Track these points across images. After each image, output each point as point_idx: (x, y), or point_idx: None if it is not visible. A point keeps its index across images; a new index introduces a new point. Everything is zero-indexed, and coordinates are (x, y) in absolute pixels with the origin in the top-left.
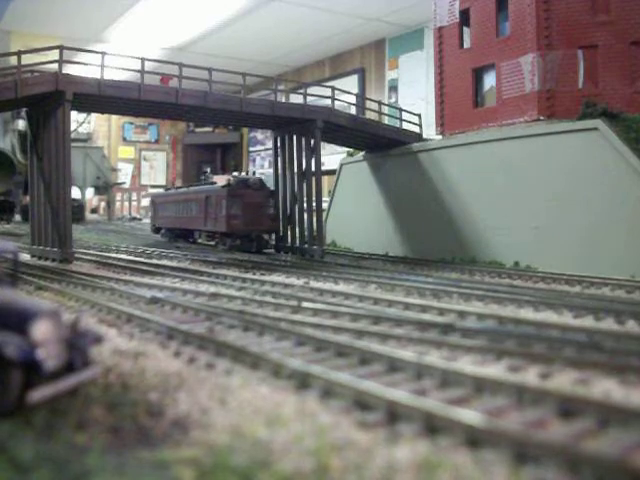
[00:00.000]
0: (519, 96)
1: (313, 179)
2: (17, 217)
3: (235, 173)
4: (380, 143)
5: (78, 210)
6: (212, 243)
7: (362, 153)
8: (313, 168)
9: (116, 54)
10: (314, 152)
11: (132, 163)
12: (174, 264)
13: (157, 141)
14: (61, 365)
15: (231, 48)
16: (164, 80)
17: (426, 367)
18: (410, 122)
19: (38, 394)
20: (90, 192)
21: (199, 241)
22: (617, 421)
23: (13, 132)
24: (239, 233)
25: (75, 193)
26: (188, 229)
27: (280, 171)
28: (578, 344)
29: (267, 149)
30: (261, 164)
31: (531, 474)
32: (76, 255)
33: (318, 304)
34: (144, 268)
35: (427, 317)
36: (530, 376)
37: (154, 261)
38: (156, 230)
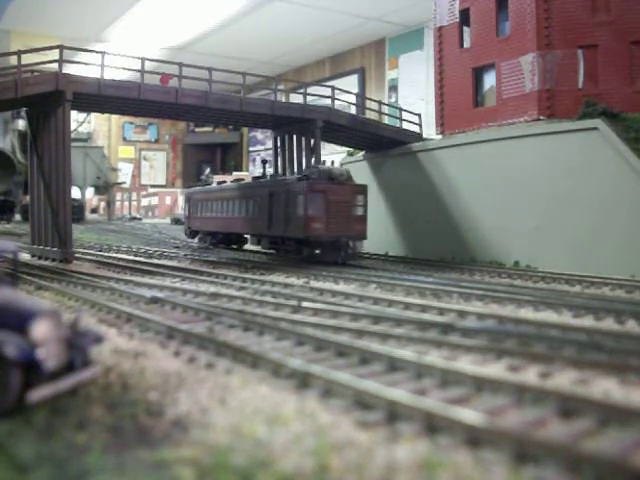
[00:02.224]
0: (519, 96)
1: None
2: (17, 217)
3: (313, 162)
4: (380, 143)
5: (78, 210)
6: (271, 251)
7: (362, 153)
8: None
9: (116, 54)
10: (314, 152)
11: (132, 163)
12: (174, 264)
13: (157, 141)
14: (61, 365)
15: (231, 48)
16: (163, 80)
17: (426, 367)
18: (410, 122)
19: (38, 394)
20: (90, 192)
21: (247, 247)
22: (617, 421)
23: (13, 132)
24: (321, 240)
25: (75, 193)
26: (239, 233)
27: (280, 171)
28: (578, 344)
29: (267, 149)
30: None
31: (531, 474)
32: (76, 255)
33: (318, 304)
34: (144, 268)
35: (427, 317)
36: (530, 376)
37: (154, 261)
38: (192, 234)
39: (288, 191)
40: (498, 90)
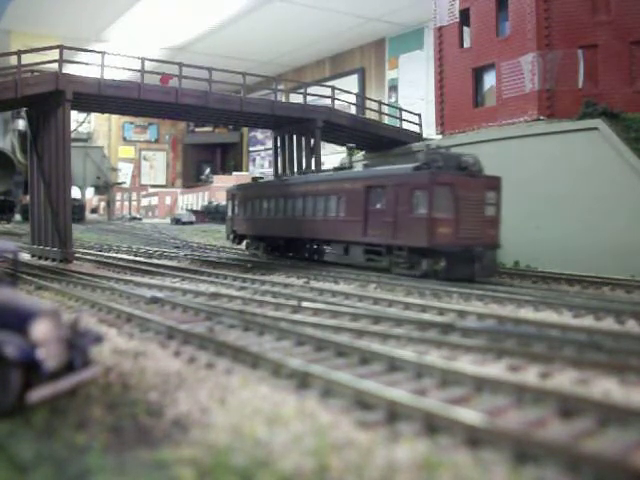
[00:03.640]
0: (519, 96)
1: None
2: (17, 217)
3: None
4: (380, 143)
5: (78, 210)
6: (366, 263)
7: (362, 153)
8: (313, 168)
9: (116, 54)
10: (314, 152)
11: (132, 163)
12: (174, 264)
13: (157, 141)
14: (61, 365)
15: (231, 48)
16: (163, 80)
17: (426, 367)
18: (410, 122)
19: (38, 394)
20: (90, 192)
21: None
22: (617, 421)
23: (13, 132)
24: (448, 249)
25: (75, 193)
26: (312, 239)
27: (280, 171)
28: (578, 344)
29: (267, 149)
30: (261, 164)
31: (531, 474)
32: (76, 255)
33: (318, 304)
34: (144, 268)
35: (427, 317)
36: (530, 376)
37: (154, 261)
38: (238, 239)
39: (400, 185)
40: (498, 90)
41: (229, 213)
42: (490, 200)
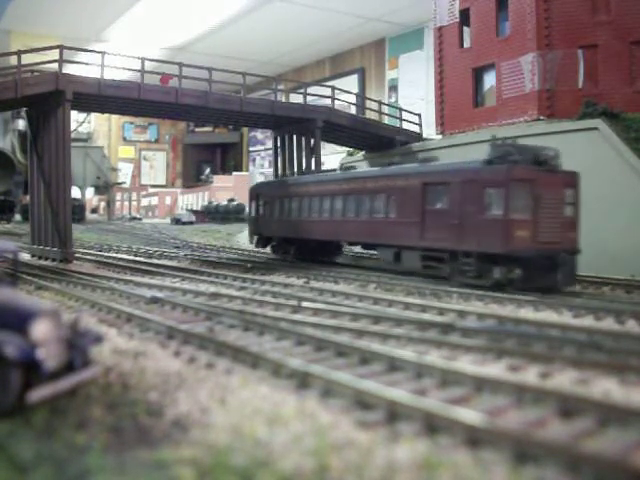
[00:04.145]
0: (519, 96)
1: None
2: (17, 217)
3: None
4: (380, 143)
5: (79, 210)
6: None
7: (362, 153)
8: (313, 168)
9: (116, 54)
10: (314, 152)
11: (132, 163)
12: (174, 264)
13: (157, 141)
14: (61, 365)
15: (231, 48)
16: (163, 80)
17: (426, 367)
18: (410, 122)
19: (38, 394)
20: (90, 192)
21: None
22: (617, 421)
23: (13, 132)
24: (527, 255)
25: (75, 193)
26: (356, 242)
27: (280, 171)
28: (578, 344)
29: (267, 149)
30: (261, 164)
31: (531, 474)
32: (76, 255)
33: (318, 304)
34: (144, 268)
35: (427, 317)
36: (530, 376)
37: (154, 261)
38: (262, 242)
39: (467, 181)
40: (498, 90)
41: (252, 214)
42: (569, 199)
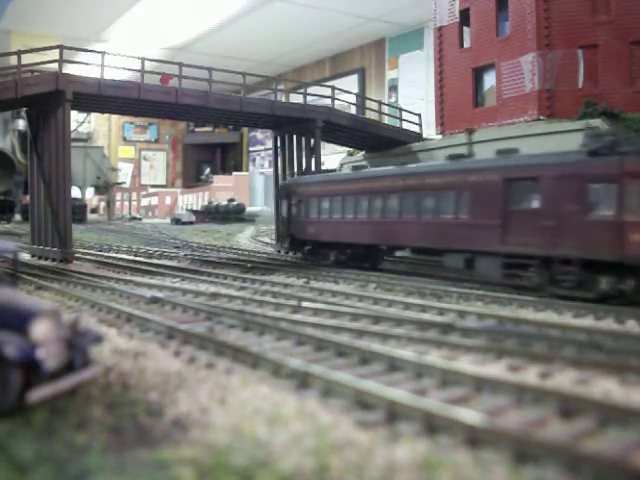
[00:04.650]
0: (519, 96)
1: None
2: (17, 217)
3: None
4: (380, 143)
5: (80, 210)
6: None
7: (362, 153)
8: (313, 168)
9: (116, 54)
10: (314, 152)
11: (132, 163)
12: (174, 264)
13: (157, 141)
14: (61, 365)
15: (231, 48)
16: (163, 80)
17: (426, 367)
18: (410, 122)
19: (38, 394)
20: (90, 192)
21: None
22: (617, 421)
23: (13, 132)
24: None
25: (76, 193)
26: (415, 247)
27: (280, 171)
28: (578, 344)
29: (267, 149)
30: (261, 164)
31: (531, 474)
32: (76, 255)
33: (318, 304)
34: (144, 268)
35: (427, 317)
36: (530, 376)
37: (154, 261)
38: (295, 245)
39: (565, 176)
40: (498, 90)
41: (282, 214)
42: None
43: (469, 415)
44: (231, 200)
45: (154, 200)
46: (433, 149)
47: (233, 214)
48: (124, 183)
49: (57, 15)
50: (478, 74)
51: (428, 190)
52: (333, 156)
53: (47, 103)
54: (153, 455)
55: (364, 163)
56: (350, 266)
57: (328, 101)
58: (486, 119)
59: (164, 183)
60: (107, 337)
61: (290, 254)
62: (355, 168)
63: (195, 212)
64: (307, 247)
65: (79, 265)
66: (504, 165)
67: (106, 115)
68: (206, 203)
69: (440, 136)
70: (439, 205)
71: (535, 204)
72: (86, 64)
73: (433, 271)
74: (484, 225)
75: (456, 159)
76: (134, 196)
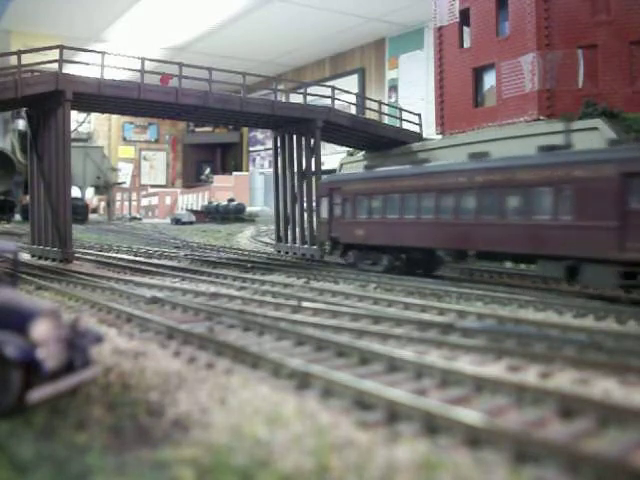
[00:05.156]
0: (519, 96)
1: (313, 179)
2: (17, 217)
3: None
4: (380, 143)
5: (82, 210)
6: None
7: (362, 153)
8: (313, 168)
9: (116, 54)
10: (314, 152)
11: (132, 163)
12: (174, 264)
13: (157, 141)
14: (61, 365)
15: (231, 48)
16: (163, 80)
17: (426, 367)
18: (410, 122)
19: (38, 394)
20: (90, 192)
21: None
22: (617, 421)
23: (13, 132)
24: None
25: (77, 192)
26: (497, 252)
27: (280, 171)
28: (578, 344)
29: (267, 149)
30: (261, 164)
31: (531, 474)
32: (76, 255)
33: (318, 304)
34: (144, 268)
35: (427, 317)
36: (530, 376)
37: (154, 261)
38: (341, 249)
39: None
40: (498, 90)
41: (323, 214)
42: None
43: (469, 415)
44: (231, 200)
45: (154, 200)
46: (433, 149)
47: (233, 214)
48: (124, 183)
49: (57, 15)
50: (478, 74)
51: (516, 187)
52: (333, 156)
53: (47, 103)
54: (153, 455)
55: (425, 157)
56: (404, 272)
57: (328, 101)
58: (486, 119)
59: (164, 183)
60: (107, 337)
61: (290, 254)
62: (415, 163)
63: (195, 212)
64: (352, 251)
65: (79, 265)
66: (621, 157)
67: (106, 115)
68: (206, 203)
69: (440, 136)
70: (531, 204)
71: None
72: (86, 64)
73: (509, 281)
74: (593, 228)
75: (549, 150)
76: (134, 196)
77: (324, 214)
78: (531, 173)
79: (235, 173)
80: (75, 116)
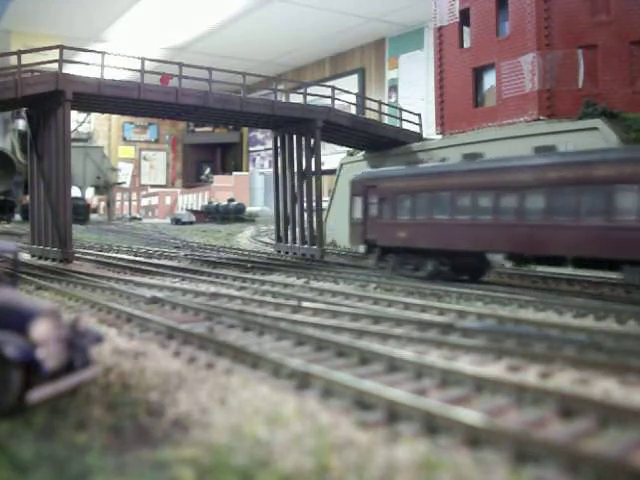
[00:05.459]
0: (519, 96)
1: (313, 179)
2: (17, 217)
3: None
4: (380, 143)
5: (83, 210)
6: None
7: (362, 153)
8: (313, 168)
9: (116, 54)
10: (314, 152)
11: (132, 163)
12: (174, 264)
13: (157, 141)
14: (61, 365)
15: (231, 48)
16: (163, 80)
17: (426, 367)
18: (410, 122)
19: (38, 394)
20: (90, 192)
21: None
22: (617, 421)
23: (13, 132)
24: None
25: (78, 192)
26: (573, 257)
27: (280, 171)
28: (578, 344)
29: (267, 149)
30: (261, 164)
31: (531, 474)
32: (76, 255)
33: (318, 304)
34: (144, 268)
35: (427, 317)
36: (530, 376)
37: (154, 261)
38: (378, 253)
39: None
40: (498, 90)
41: (356, 215)
42: None
43: (469, 415)
44: (231, 200)
45: (154, 200)
46: (433, 149)
47: (233, 214)
48: (124, 183)
49: (57, 15)
50: (478, 74)
51: (597, 184)
52: (333, 156)
53: (47, 103)
54: (153, 455)
55: (481, 151)
56: (449, 279)
57: (328, 101)
58: (486, 119)
59: (164, 183)
60: (107, 337)
61: (290, 254)
62: (468, 156)
63: (195, 212)
64: (390, 255)
65: (79, 265)
66: None
67: (106, 115)
68: (206, 203)
69: (440, 136)
70: (614, 203)
71: None
72: (86, 64)
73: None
74: None
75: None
76: (134, 196)
77: (357, 214)
78: (612, 169)
79: (235, 173)
80: (75, 116)
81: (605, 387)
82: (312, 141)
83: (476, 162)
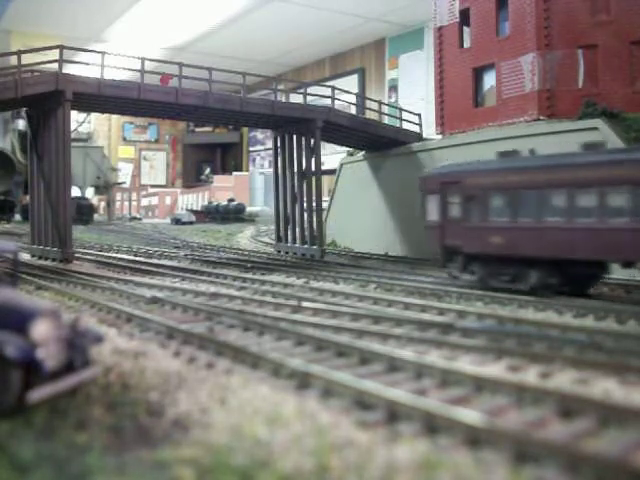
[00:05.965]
0: (519, 96)
1: (313, 179)
2: (17, 217)
3: None
4: (380, 143)
5: (87, 210)
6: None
7: (362, 153)
8: (313, 168)
9: (116, 54)
10: (314, 152)
11: (132, 163)
12: (174, 264)
13: (157, 141)
14: (61, 365)
15: (231, 48)
16: (163, 80)
17: (426, 367)
18: (410, 122)
19: (38, 394)
20: (90, 192)
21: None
22: (617, 421)
23: (13, 132)
24: None
25: (79, 192)
26: None
27: (280, 171)
28: (578, 344)
29: (267, 149)
30: (261, 164)
31: (531, 474)
32: (76, 255)
33: (318, 304)
34: (144, 268)
35: (427, 317)
36: (530, 376)
37: (154, 261)
38: (462, 261)
39: None
40: (498, 90)
41: (431, 216)
42: None
43: (469, 415)
44: (231, 200)
45: (154, 200)
46: (433, 149)
47: (233, 214)
48: (124, 183)
49: (57, 15)
50: (478, 74)
51: None
52: (333, 156)
53: (47, 103)
54: (153, 455)
55: (601, 140)
56: (555, 292)
57: (328, 101)
58: (486, 119)
59: (164, 183)
60: (107, 337)
61: (290, 254)
62: (584, 147)
63: (195, 212)
64: (476, 264)
65: (79, 265)
66: None
67: (106, 115)
68: (206, 203)
69: (440, 136)
70: None
71: None
72: (86, 64)
73: None
74: None
75: None
76: (134, 196)
77: (433, 216)
78: None
79: (235, 173)
80: (75, 116)
81: (605, 387)
82: (312, 141)
83: (607, 151)
